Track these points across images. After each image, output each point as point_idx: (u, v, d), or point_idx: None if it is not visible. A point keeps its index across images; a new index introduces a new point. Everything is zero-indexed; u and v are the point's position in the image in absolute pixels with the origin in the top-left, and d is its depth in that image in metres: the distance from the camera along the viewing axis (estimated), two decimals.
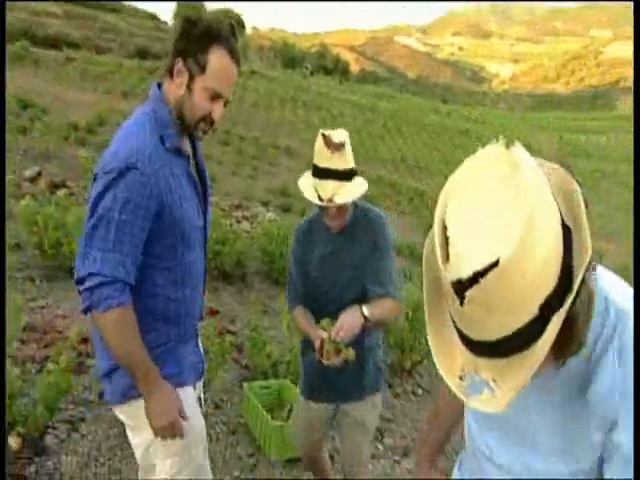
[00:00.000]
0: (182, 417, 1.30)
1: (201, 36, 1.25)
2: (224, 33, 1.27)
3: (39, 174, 7.05)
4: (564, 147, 51.74)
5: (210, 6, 65.48)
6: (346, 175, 1.60)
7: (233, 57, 1.27)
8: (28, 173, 6.99)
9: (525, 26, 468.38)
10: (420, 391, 3.94)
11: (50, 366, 2.11)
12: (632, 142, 60.87)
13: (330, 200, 1.56)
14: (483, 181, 0.57)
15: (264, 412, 2.55)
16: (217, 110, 1.30)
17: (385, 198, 23.78)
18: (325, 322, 1.63)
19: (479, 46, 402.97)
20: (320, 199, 1.58)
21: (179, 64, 1.26)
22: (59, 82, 26.86)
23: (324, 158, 1.58)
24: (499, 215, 0.54)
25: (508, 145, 0.58)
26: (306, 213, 15.78)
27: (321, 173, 1.58)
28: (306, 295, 1.79)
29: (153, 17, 62.46)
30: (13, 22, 38.48)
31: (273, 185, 19.06)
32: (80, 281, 1.19)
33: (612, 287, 0.77)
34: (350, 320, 1.57)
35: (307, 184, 1.63)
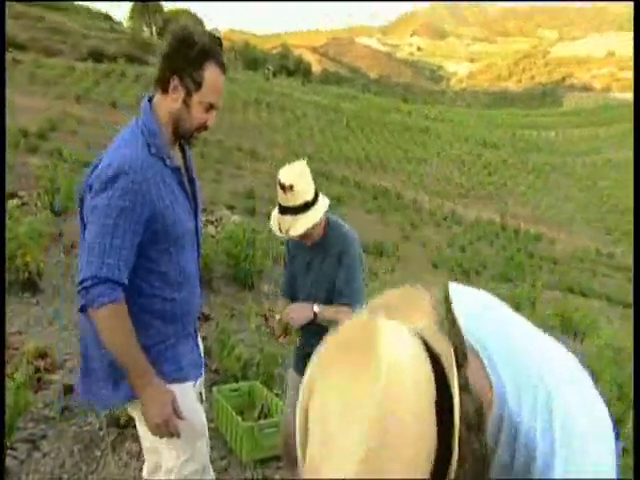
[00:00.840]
0: (178, 416, 1.34)
1: (197, 56, 1.34)
2: (216, 50, 1.38)
3: None
4: (517, 142, 53.72)
5: (166, 5, 64.15)
6: (300, 209, 1.79)
7: (222, 70, 1.40)
8: None
9: (479, 26, 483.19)
10: None
11: (9, 384, 2.02)
12: (580, 137, 63.88)
13: (287, 232, 1.80)
14: (339, 369, 0.45)
15: (234, 414, 2.54)
16: (211, 118, 1.43)
17: (351, 197, 24.00)
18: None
19: (437, 46, 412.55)
20: (280, 231, 1.84)
21: (175, 81, 1.35)
22: (6, 85, 25.62)
23: (280, 197, 1.82)
24: (349, 419, 0.43)
25: (368, 316, 0.49)
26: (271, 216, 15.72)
27: (280, 209, 1.83)
28: (291, 292, 2.02)
29: (107, 17, 60.65)
30: None
31: (238, 188, 18.89)
32: (79, 284, 1.29)
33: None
34: (298, 311, 1.83)
35: (274, 217, 1.89)
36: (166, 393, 1.33)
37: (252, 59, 71.27)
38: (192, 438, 1.43)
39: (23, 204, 5.74)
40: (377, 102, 60.54)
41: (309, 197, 1.84)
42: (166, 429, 1.32)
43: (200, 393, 1.57)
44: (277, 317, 1.89)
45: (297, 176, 1.86)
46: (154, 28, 64.93)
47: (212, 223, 8.05)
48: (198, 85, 1.35)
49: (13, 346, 2.90)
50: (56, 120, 18.46)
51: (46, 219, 4.93)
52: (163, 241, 1.37)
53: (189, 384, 1.46)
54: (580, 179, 45.69)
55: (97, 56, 40.52)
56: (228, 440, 2.61)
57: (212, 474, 1.56)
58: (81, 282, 1.27)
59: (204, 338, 3.78)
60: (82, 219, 1.39)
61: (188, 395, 1.44)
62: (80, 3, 59.83)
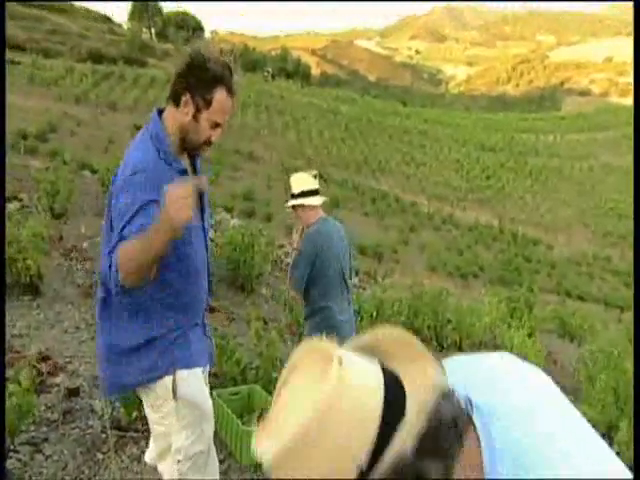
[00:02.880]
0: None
1: (208, 77, 1.50)
2: (226, 76, 1.54)
3: None
4: (516, 146, 53.91)
5: (166, 7, 64.15)
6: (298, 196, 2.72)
7: (231, 94, 1.55)
8: None
9: (478, 31, 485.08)
10: None
11: (12, 387, 2.04)
12: (579, 141, 64.08)
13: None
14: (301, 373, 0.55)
15: (234, 417, 2.56)
16: (215, 135, 1.58)
17: (349, 200, 24.05)
18: None
19: (435, 49, 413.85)
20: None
21: (186, 97, 1.50)
22: (5, 87, 25.59)
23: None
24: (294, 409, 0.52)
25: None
26: (271, 218, 15.56)
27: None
28: None
29: (106, 19, 60.65)
30: None
31: (237, 190, 18.92)
32: (108, 270, 1.39)
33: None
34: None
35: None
36: (164, 210, 1.33)
37: (251, 61, 71.35)
38: (199, 421, 1.56)
39: (23, 207, 5.76)
40: (376, 105, 60.71)
41: (294, 191, 2.69)
42: (186, 211, 1.31)
43: (206, 381, 1.69)
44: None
45: (295, 179, 2.75)
46: (153, 30, 65.03)
47: (211, 226, 8.09)
48: (208, 104, 1.51)
49: (15, 349, 2.93)
50: (55, 121, 18.47)
51: (46, 222, 4.96)
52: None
53: (198, 369, 1.58)
54: (578, 183, 45.88)
55: (96, 58, 40.53)
56: (227, 443, 2.64)
57: (216, 458, 1.69)
58: (109, 268, 1.38)
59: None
60: (109, 222, 1.51)
61: (198, 379, 1.57)
62: (80, 4, 59.78)
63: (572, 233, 31.54)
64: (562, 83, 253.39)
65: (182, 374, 1.52)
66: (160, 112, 1.58)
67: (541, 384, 0.64)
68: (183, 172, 1.57)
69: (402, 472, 0.49)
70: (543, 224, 31.89)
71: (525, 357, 3.33)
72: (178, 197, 1.31)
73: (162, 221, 1.33)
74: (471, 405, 0.55)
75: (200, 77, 1.50)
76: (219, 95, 1.51)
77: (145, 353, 1.50)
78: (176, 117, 1.53)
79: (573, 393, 4.77)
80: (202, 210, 1.64)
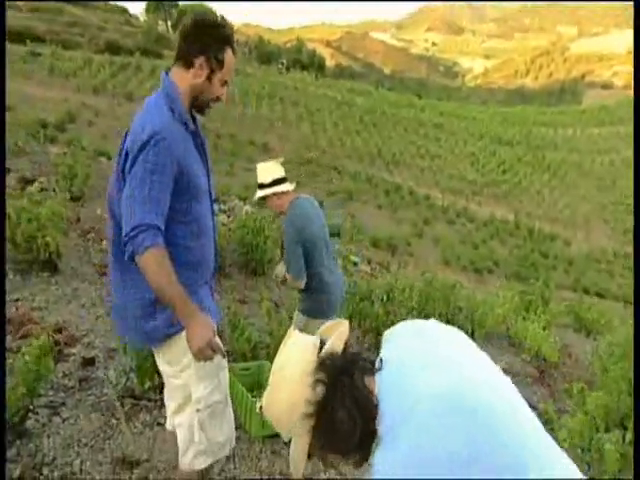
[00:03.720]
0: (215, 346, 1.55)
1: (220, 39, 1.57)
2: (233, 36, 1.62)
3: (8, 170, 6.88)
4: (533, 140, 52.90)
5: (182, 3, 64.38)
6: (260, 187, 2.79)
7: (235, 53, 1.64)
8: None
9: (496, 23, 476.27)
10: None
11: (27, 349, 2.12)
12: (600, 135, 62.66)
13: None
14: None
15: (244, 391, 2.61)
16: (225, 92, 1.67)
17: (363, 192, 23.98)
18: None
19: (452, 42, 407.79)
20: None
21: (201, 60, 1.56)
22: (25, 78, 26.02)
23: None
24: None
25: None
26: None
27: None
28: None
29: (123, 11, 61.06)
30: None
31: (250, 181, 18.99)
32: (125, 236, 1.43)
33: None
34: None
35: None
36: (207, 320, 1.51)
37: (266, 53, 71.18)
38: (216, 370, 1.63)
39: (42, 189, 5.88)
40: (391, 97, 60.13)
41: (264, 181, 2.74)
42: (209, 350, 1.47)
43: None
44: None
45: (262, 168, 2.79)
46: (169, 22, 65.25)
47: (225, 212, 8.16)
48: (221, 65, 1.58)
49: (34, 321, 3.01)
50: (74, 111, 18.74)
51: (64, 204, 5.06)
52: (185, 194, 1.54)
53: (212, 321, 1.63)
54: (598, 178, 44.85)
55: (114, 49, 40.89)
56: (238, 415, 2.69)
57: (231, 408, 1.76)
58: (127, 233, 1.42)
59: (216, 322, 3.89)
60: (121, 181, 1.53)
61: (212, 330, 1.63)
62: None
63: (591, 229, 30.97)
64: (583, 76, 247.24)
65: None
66: (166, 73, 1.62)
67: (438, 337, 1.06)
68: (193, 133, 1.63)
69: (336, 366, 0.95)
70: (561, 220, 31.34)
71: (539, 349, 3.31)
72: (207, 329, 1.47)
73: (192, 316, 1.45)
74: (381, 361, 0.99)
75: (213, 38, 1.56)
76: (229, 55, 1.60)
77: (163, 307, 1.54)
78: (187, 78, 1.57)
79: (588, 385, 4.73)
80: (207, 172, 1.70)
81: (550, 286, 10.32)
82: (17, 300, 3.38)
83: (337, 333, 1.00)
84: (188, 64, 1.57)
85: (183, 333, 1.51)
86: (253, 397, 2.65)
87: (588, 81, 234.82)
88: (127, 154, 1.50)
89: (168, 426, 1.78)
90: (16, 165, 7.18)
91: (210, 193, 1.72)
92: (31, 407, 2.16)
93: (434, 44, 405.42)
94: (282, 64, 60.18)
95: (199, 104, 1.64)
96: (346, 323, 1.04)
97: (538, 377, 4.59)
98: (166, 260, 1.43)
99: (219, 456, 1.71)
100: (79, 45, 41.86)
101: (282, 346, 1.05)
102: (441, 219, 24.40)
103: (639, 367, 2.86)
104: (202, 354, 1.47)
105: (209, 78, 1.58)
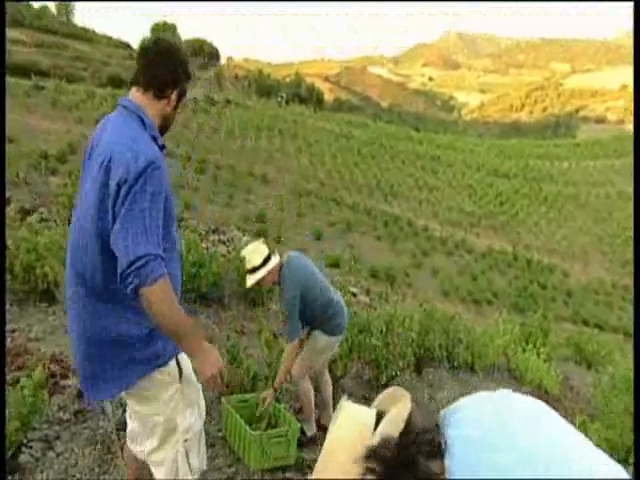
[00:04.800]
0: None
1: (189, 74, 1.66)
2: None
3: (8, 201, 6.94)
4: (530, 172, 53.68)
5: (184, 34, 66.33)
6: (250, 271, 2.87)
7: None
8: None
9: (491, 58, 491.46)
10: None
11: (23, 382, 2.09)
12: (595, 168, 63.58)
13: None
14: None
15: (243, 423, 2.57)
16: None
17: (361, 224, 24.13)
18: None
19: (448, 77, 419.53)
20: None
21: (174, 91, 1.62)
22: (28, 111, 26.57)
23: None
24: None
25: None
26: (281, 240, 15.59)
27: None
28: None
29: (126, 46, 62.90)
30: None
31: (249, 212, 19.15)
32: (128, 266, 1.37)
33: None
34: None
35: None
36: (215, 350, 1.51)
37: (266, 86, 72.96)
38: (197, 396, 1.66)
39: (43, 220, 5.92)
40: (389, 130, 61.33)
41: (256, 264, 2.82)
42: (219, 378, 1.49)
43: None
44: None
45: (249, 252, 2.88)
46: None
47: (224, 243, 8.19)
48: (184, 93, 1.67)
49: (30, 351, 2.98)
50: (75, 143, 19.03)
51: (64, 233, 5.08)
52: (168, 219, 1.56)
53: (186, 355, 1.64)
54: (594, 210, 45.31)
55: (116, 82, 41.96)
56: (236, 449, 2.64)
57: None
58: (132, 263, 1.35)
59: None
60: (108, 211, 1.47)
61: (189, 361, 1.63)
62: (102, 33, 62.21)
63: (589, 261, 31.03)
64: (577, 110, 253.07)
65: (183, 356, 1.59)
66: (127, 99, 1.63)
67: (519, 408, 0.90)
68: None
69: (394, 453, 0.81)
70: (559, 251, 31.44)
71: (540, 381, 3.30)
72: (216, 359, 1.49)
73: (201, 345, 1.46)
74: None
75: (184, 71, 1.63)
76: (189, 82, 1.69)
77: (152, 341, 1.49)
78: (157, 107, 1.61)
79: (590, 418, 4.65)
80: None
81: (549, 317, 10.29)
82: (14, 331, 3.35)
83: (397, 410, 0.88)
84: (160, 95, 1.60)
85: (162, 368, 1.51)
86: (252, 429, 2.61)
87: (582, 115, 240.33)
88: (120, 184, 1.42)
89: (139, 457, 1.75)
90: (16, 196, 7.25)
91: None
92: (25, 441, 2.12)
93: (431, 79, 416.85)
94: (281, 97, 61.59)
95: (163, 130, 1.69)
96: (407, 396, 0.92)
97: None
98: (172, 291, 1.40)
99: None
100: (82, 79, 42.96)
101: (334, 417, 0.95)
102: (440, 250, 24.46)
103: (639, 367, 2.81)
104: (214, 382, 1.48)
105: (175, 107, 1.67)
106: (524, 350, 5.93)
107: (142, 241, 1.38)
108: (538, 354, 5.71)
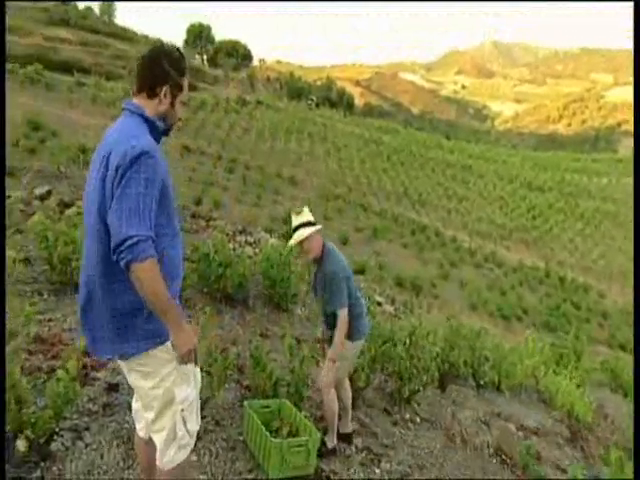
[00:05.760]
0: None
1: (182, 69, 1.76)
2: (185, 60, 1.79)
3: (49, 193, 7.21)
4: (566, 187, 52.10)
5: (218, 34, 67.39)
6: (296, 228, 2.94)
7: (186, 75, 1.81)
8: (38, 191, 7.15)
9: (527, 68, 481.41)
10: (418, 419, 3.95)
11: (60, 374, 2.17)
12: (633, 183, 61.18)
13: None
14: None
15: (264, 429, 2.58)
16: (182, 112, 1.86)
17: (388, 231, 23.97)
18: None
19: (482, 85, 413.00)
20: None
21: (165, 89, 1.73)
22: (70, 106, 27.56)
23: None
24: None
25: None
26: None
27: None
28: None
29: None
30: (27, 47, 39.83)
31: (277, 213, 19.30)
32: (120, 243, 1.51)
33: None
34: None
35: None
36: (192, 329, 1.69)
37: (296, 89, 73.32)
38: (192, 369, 1.78)
39: (80, 213, 6.11)
40: (419, 137, 60.72)
41: (304, 220, 2.92)
42: (192, 354, 1.67)
43: None
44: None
45: (297, 211, 2.99)
46: (205, 57, 68.50)
47: (250, 244, 8.26)
48: (180, 89, 1.77)
49: (64, 342, 3.09)
50: None
51: None
52: (167, 206, 1.68)
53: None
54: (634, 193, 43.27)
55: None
56: (256, 454, 2.65)
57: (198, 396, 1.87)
58: (124, 240, 1.50)
59: (237, 355, 3.89)
60: (108, 191, 1.60)
61: (196, 337, 1.78)
62: (140, 33, 63.99)
63: (627, 282, 29.82)
64: (619, 124, 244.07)
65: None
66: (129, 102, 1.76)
67: None
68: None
69: None
70: (595, 270, 30.32)
71: (571, 407, 3.18)
72: (192, 336, 1.66)
73: (181, 324, 1.61)
74: None
75: (176, 68, 1.73)
76: (185, 79, 1.78)
77: (150, 317, 1.62)
78: (151, 106, 1.73)
79: (625, 451, 4.47)
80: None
81: (583, 339, 9.90)
82: (50, 320, 3.48)
83: None
84: (152, 94, 1.73)
85: (161, 347, 1.65)
86: (272, 436, 2.62)
87: (624, 130, 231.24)
88: (117, 168, 1.57)
89: (143, 435, 1.87)
90: (57, 188, 7.51)
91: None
92: (57, 430, 2.19)
93: (464, 87, 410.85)
94: (312, 100, 61.80)
95: (167, 129, 1.81)
96: None
97: (570, 438, 4.36)
98: (159, 273, 1.54)
99: (192, 445, 1.84)
100: (121, 76, 44.25)
101: None
102: (468, 262, 24.03)
103: (639, 367, 2.65)
104: (188, 357, 1.65)
105: (172, 104, 1.76)
106: (555, 372, 5.74)
107: (134, 222, 1.52)
108: (570, 378, 5.51)
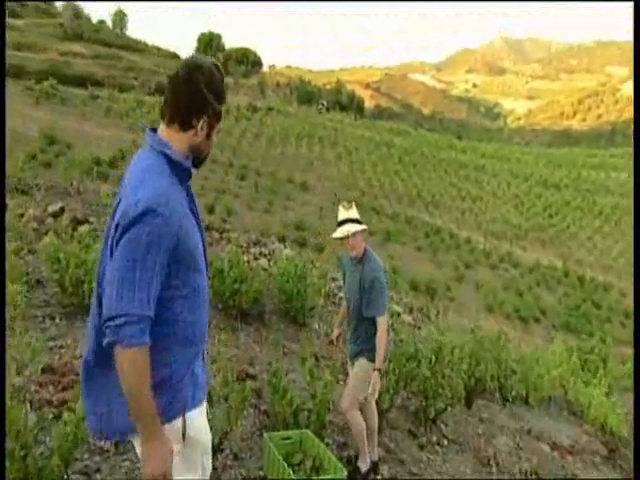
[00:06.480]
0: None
1: (222, 91, 1.46)
2: (223, 81, 1.48)
3: (62, 210, 7.18)
4: (583, 183, 51.07)
5: (232, 39, 68.08)
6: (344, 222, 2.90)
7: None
8: (51, 209, 7.13)
9: (540, 63, 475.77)
10: (445, 441, 3.76)
11: (67, 416, 2.04)
12: (633, 182, 59.84)
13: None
14: None
15: (285, 465, 2.43)
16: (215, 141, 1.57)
17: (401, 234, 23.72)
18: None
19: (493, 83, 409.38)
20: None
21: (202, 120, 1.44)
22: (84, 118, 27.94)
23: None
24: None
25: None
26: (323, 248, 15.53)
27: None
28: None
29: (174, 56, 65.31)
30: (42, 63, 40.61)
31: (289, 219, 19.23)
32: (107, 320, 1.29)
33: None
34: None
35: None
36: (168, 449, 1.35)
37: (306, 94, 73.51)
38: (200, 456, 1.50)
39: (93, 230, 6.05)
40: (430, 138, 60.25)
41: (353, 216, 2.88)
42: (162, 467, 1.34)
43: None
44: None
45: (345, 206, 2.96)
46: None
47: (265, 256, 8.14)
48: (218, 117, 1.47)
49: (76, 370, 2.97)
50: (126, 149, 19.75)
51: None
52: (185, 266, 1.41)
53: (204, 403, 1.53)
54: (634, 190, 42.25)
55: (164, 91, 43.46)
56: None
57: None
58: (112, 318, 1.28)
59: (254, 377, 3.75)
60: (110, 250, 1.39)
61: (202, 414, 1.51)
62: (151, 44, 64.85)
63: None
64: None
65: (192, 414, 1.45)
66: (154, 130, 1.49)
67: None
68: (189, 194, 1.52)
69: None
70: (615, 268, 29.54)
71: (605, 420, 2.95)
72: (164, 460, 1.33)
73: (155, 438, 1.31)
74: None
75: (216, 93, 1.43)
76: (223, 105, 1.48)
77: (157, 394, 1.36)
78: (184, 139, 1.45)
79: None
80: (199, 228, 1.54)
81: (608, 342, 9.56)
82: (61, 347, 3.37)
83: None
84: (186, 126, 1.43)
85: (171, 423, 1.40)
86: (293, 470, 2.47)
87: None
88: (117, 227, 1.33)
89: None
90: (70, 205, 7.48)
91: (205, 256, 1.57)
92: (65, 476, 2.06)
93: (475, 85, 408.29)
94: (322, 105, 61.87)
95: (200, 161, 1.54)
96: None
97: (607, 455, 4.12)
98: (147, 365, 1.30)
99: None
100: (133, 88, 44.85)
101: None
102: (483, 263, 23.64)
103: (639, 366, 2.51)
104: (157, 466, 1.33)
105: (208, 135, 1.47)
106: (583, 381, 5.50)
107: (127, 296, 1.28)
108: (599, 387, 5.27)
